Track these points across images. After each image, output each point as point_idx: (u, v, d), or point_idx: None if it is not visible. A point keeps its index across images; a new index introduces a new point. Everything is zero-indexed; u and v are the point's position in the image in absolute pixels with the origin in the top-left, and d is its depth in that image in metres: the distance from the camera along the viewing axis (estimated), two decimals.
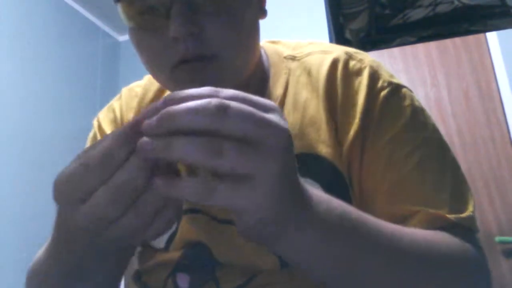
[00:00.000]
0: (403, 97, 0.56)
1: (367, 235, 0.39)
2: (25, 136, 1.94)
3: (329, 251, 0.36)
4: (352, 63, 0.58)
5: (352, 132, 0.54)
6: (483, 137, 1.99)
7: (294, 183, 0.33)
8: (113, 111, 0.67)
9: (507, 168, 1.91)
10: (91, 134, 0.69)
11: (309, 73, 0.59)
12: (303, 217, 0.34)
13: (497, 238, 1.79)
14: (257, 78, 0.60)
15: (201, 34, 0.47)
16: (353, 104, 0.55)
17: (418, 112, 0.56)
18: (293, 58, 0.62)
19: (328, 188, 0.51)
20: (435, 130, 0.57)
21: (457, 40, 2.18)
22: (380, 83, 0.55)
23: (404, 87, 0.57)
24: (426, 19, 2.80)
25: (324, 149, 0.54)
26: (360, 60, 0.58)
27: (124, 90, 0.69)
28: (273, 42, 0.67)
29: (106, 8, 2.48)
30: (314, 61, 0.60)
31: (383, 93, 0.55)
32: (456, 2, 2.76)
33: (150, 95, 0.66)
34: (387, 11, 2.82)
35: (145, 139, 0.29)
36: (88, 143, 0.68)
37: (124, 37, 2.58)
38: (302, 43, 0.66)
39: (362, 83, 0.55)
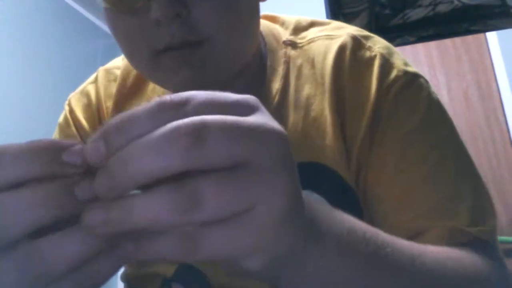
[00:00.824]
0: (419, 89, 0.48)
1: (390, 259, 0.32)
2: (25, 136, 1.93)
3: (349, 281, 0.30)
4: (360, 52, 0.50)
5: (361, 134, 0.47)
6: (483, 137, 1.99)
7: (301, 207, 0.25)
8: (87, 95, 0.59)
9: (507, 168, 1.91)
10: (61, 120, 0.59)
11: (312, 64, 0.52)
12: (321, 246, 0.27)
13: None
14: (255, 67, 0.52)
15: (189, 17, 0.40)
16: (363, 102, 0.48)
17: (434, 107, 0.48)
18: (293, 45, 0.54)
19: (334, 203, 0.43)
20: (452, 128, 0.49)
21: (457, 40, 2.18)
22: (392, 75, 0.48)
23: (421, 76, 0.50)
24: (426, 19, 2.80)
25: (329, 157, 0.48)
26: (369, 48, 0.50)
27: (101, 72, 0.59)
28: (269, 18, 0.58)
29: None
30: (318, 49, 0.52)
31: (396, 85, 0.47)
32: (456, 2, 2.76)
33: (130, 80, 0.57)
34: (387, 11, 2.82)
35: (89, 212, 0.21)
36: (57, 131, 0.60)
37: None
38: (303, 24, 0.56)
39: (373, 76, 0.48)
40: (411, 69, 0.49)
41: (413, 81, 0.48)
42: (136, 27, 0.41)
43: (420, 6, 2.75)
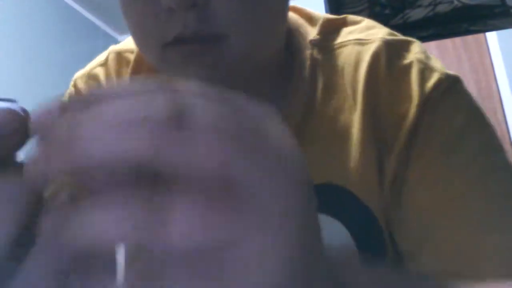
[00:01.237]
0: (462, 95, 0.43)
1: None
2: None
3: None
4: (396, 60, 0.45)
5: (398, 148, 0.42)
6: None
7: (314, 276, 0.17)
8: (96, 78, 0.53)
9: None
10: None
11: (341, 73, 0.46)
12: None
13: None
14: (277, 67, 0.46)
15: (206, 7, 0.35)
16: (402, 114, 0.43)
17: (477, 114, 0.43)
18: (321, 48, 0.47)
19: (357, 232, 0.42)
20: (495, 137, 0.43)
21: (457, 40, 2.18)
22: (433, 80, 0.43)
23: (461, 80, 0.44)
24: (426, 19, 2.81)
25: (355, 180, 0.43)
26: (405, 54, 0.45)
27: (112, 54, 0.53)
28: (294, 10, 0.51)
29: (106, 8, 2.48)
30: (348, 57, 0.46)
31: (438, 91, 0.42)
32: (456, 2, 2.77)
33: (144, 68, 0.51)
34: (387, 11, 2.82)
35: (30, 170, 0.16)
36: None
37: (124, 37, 2.59)
38: (332, 22, 0.50)
39: (411, 84, 0.43)
40: (451, 72, 0.44)
41: (455, 85, 0.43)
42: (147, 14, 0.37)
43: (420, 6, 2.75)
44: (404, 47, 0.46)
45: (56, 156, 0.15)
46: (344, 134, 0.44)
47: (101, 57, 0.54)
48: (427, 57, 0.46)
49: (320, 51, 0.47)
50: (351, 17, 0.51)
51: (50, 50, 2.17)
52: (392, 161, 0.42)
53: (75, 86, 0.53)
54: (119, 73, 0.52)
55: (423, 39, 2.95)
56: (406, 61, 0.45)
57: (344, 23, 0.50)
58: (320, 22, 0.49)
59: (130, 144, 0.15)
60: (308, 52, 0.47)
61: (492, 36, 2.18)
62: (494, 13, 2.84)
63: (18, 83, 1.94)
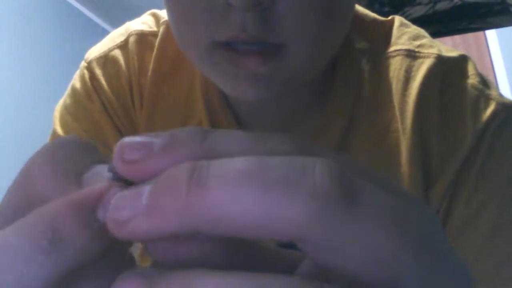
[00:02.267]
0: None
1: None
2: (24, 135, 1.94)
3: None
4: (449, 84, 0.41)
5: (448, 179, 0.39)
6: None
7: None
8: (115, 62, 0.47)
9: None
10: (78, 85, 0.47)
11: (389, 88, 0.42)
12: None
13: None
14: (322, 76, 0.42)
15: (270, 9, 0.30)
16: (454, 142, 0.39)
17: None
18: (370, 57, 0.43)
19: None
20: None
21: (457, 38, 2.18)
22: (489, 110, 0.39)
23: None
24: (425, 16, 2.80)
25: None
26: (458, 79, 0.41)
27: (133, 37, 0.47)
28: None
29: (106, 6, 2.47)
30: (398, 70, 0.42)
31: (494, 123, 0.39)
32: (456, 0, 2.76)
33: (170, 54, 0.46)
34: (386, 9, 2.82)
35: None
36: (72, 100, 0.47)
37: None
38: (381, 26, 0.45)
39: (466, 112, 0.39)
40: (507, 100, 0.41)
41: (511, 116, 0.40)
42: (198, 7, 0.32)
43: (419, 4, 2.75)
44: (458, 68, 0.42)
45: (173, 208, 0.12)
46: (389, 158, 0.40)
47: (116, 37, 0.49)
48: (482, 81, 0.42)
49: (368, 61, 0.43)
50: (399, 18, 0.47)
51: (50, 48, 2.17)
52: (437, 192, 0.39)
53: (89, 70, 0.47)
54: (141, 58, 0.47)
55: None
56: (461, 87, 0.41)
57: (392, 26, 0.46)
58: (367, 25, 0.45)
59: (283, 212, 0.11)
60: (354, 60, 0.43)
61: (491, 34, 2.17)
62: (494, 11, 2.83)
63: (17, 81, 1.94)
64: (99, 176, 0.15)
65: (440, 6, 2.77)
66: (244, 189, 0.12)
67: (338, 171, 0.12)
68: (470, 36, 2.18)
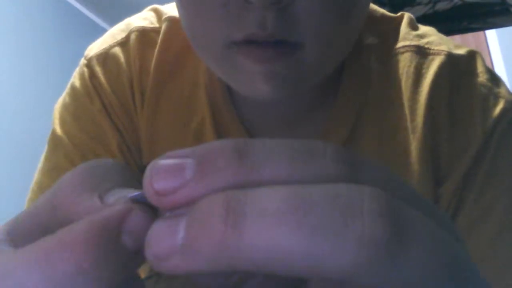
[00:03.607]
0: None
1: None
2: (24, 134, 1.94)
3: None
4: (459, 82, 0.41)
5: (455, 180, 0.39)
6: None
7: None
8: (115, 60, 0.46)
9: None
10: (77, 84, 0.46)
11: (398, 86, 0.41)
12: None
13: None
14: (331, 75, 0.42)
15: (289, 8, 0.30)
16: (460, 149, 0.39)
17: None
18: (377, 52, 0.43)
19: None
20: None
21: (457, 37, 2.18)
22: (498, 108, 0.39)
23: None
24: (425, 16, 2.80)
25: None
26: (468, 77, 0.41)
27: (134, 34, 0.46)
28: None
29: (105, 5, 2.47)
30: (407, 68, 0.41)
31: (503, 122, 0.39)
32: (456, 0, 2.76)
33: (172, 52, 0.45)
34: (386, 9, 2.82)
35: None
36: (71, 99, 0.46)
37: None
38: (391, 21, 0.44)
39: (474, 118, 0.39)
40: None
41: None
42: (215, 6, 0.31)
43: (419, 4, 2.75)
44: (468, 65, 0.42)
45: (209, 248, 0.11)
46: (398, 157, 0.40)
47: (117, 34, 0.48)
48: (491, 79, 0.41)
49: (376, 58, 0.42)
50: (408, 15, 0.46)
51: (49, 48, 2.17)
52: (447, 191, 0.39)
53: (89, 67, 0.46)
54: (142, 56, 0.46)
55: None
56: (470, 85, 0.40)
57: (401, 22, 0.45)
58: (377, 21, 0.44)
59: (329, 257, 0.11)
60: (362, 58, 0.42)
61: (491, 34, 2.18)
62: (494, 11, 2.83)
63: (16, 80, 1.93)
64: (122, 195, 0.15)
65: (440, 6, 2.77)
66: (284, 230, 0.11)
67: (388, 205, 0.11)
68: (470, 36, 2.18)
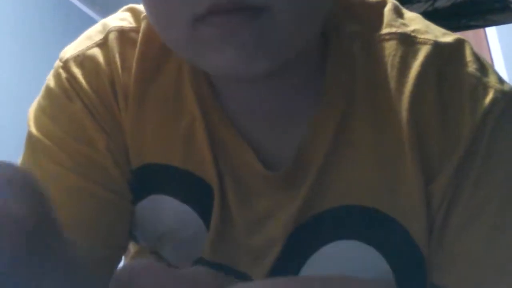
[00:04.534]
0: None
1: None
2: (23, 133, 1.94)
3: None
4: (447, 73, 0.40)
5: (447, 174, 0.38)
6: None
7: None
8: (94, 61, 0.45)
9: None
10: (55, 88, 0.45)
11: (384, 76, 0.40)
12: None
13: None
14: (310, 60, 0.42)
15: None
16: (453, 136, 0.38)
17: None
18: (361, 38, 0.42)
19: (395, 261, 0.39)
20: None
21: (456, 35, 2.18)
22: (488, 99, 0.38)
23: None
24: (425, 14, 2.79)
25: (397, 205, 0.39)
26: (456, 67, 0.40)
27: (113, 34, 0.46)
28: None
29: (104, 2, 2.46)
30: (393, 56, 0.40)
31: (494, 113, 0.38)
32: None
33: (153, 50, 0.45)
34: None
35: None
36: (49, 103, 0.45)
37: None
38: (373, 7, 0.43)
39: (463, 109, 0.38)
40: (507, 87, 0.40)
41: (511, 105, 0.39)
42: None
43: (419, 1, 2.74)
44: (456, 55, 0.41)
45: None
46: (390, 149, 0.39)
47: (94, 35, 0.47)
48: (480, 68, 0.40)
49: (360, 45, 0.41)
50: (392, 1, 0.44)
51: (47, 45, 2.16)
52: (439, 188, 0.38)
53: (66, 69, 0.45)
54: (123, 56, 0.45)
55: None
56: (458, 76, 0.40)
57: (384, 8, 0.44)
58: (359, 7, 0.43)
59: None
60: (345, 45, 0.41)
61: (491, 32, 2.18)
62: (494, 8, 2.83)
63: (15, 79, 1.93)
64: None
65: (440, 3, 2.76)
66: None
67: None
68: (470, 34, 2.18)
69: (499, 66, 2.15)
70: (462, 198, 0.38)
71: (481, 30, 2.20)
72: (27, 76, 2.00)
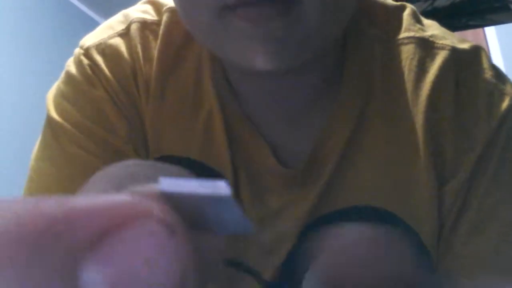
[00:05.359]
0: None
1: None
2: (23, 133, 1.93)
3: None
4: (464, 79, 0.41)
5: (462, 178, 0.38)
6: None
7: None
8: (116, 50, 0.45)
9: None
10: (77, 75, 0.45)
11: (401, 79, 0.41)
12: None
13: None
14: (331, 60, 0.42)
15: None
16: (465, 148, 0.39)
17: None
18: (379, 42, 0.42)
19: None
20: None
21: (456, 34, 2.18)
22: (504, 105, 0.39)
23: None
24: (424, 13, 2.79)
25: (412, 206, 0.39)
26: (473, 73, 0.41)
27: (135, 25, 0.46)
28: None
29: (104, 2, 2.46)
30: (410, 60, 0.41)
31: (509, 120, 0.39)
32: None
33: (174, 43, 0.45)
34: None
35: None
36: (73, 90, 0.45)
37: None
38: (392, 11, 0.43)
39: (479, 115, 0.39)
40: None
41: None
42: None
43: (418, 0, 2.75)
44: (473, 61, 0.41)
45: None
46: (405, 151, 0.39)
47: (115, 25, 0.47)
48: (496, 75, 0.41)
49: (379, 47, 0.42)
50: (410, 6, 0.45)
51: (47, 45, 2.16)
52: (452, 190, 0.38)
53: (88, 57, 0.45)
54: (145, 47, 0.45)
55: None
56: (475, 81, 0.40)
57: (403, 12, 0.44)
58: (378, 11, 0.44)
59: None
60: (365, 48, 0.42)
61: (490, 31, 2.18)
62: (493, 8, 2.83)
63: (15, 79, 1.93)
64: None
65: (439, 2, 2.77)
66: None
67: None
68: (469, 33, 2.18)
69: (498, 65, 2.16)
70: (473, 202, 0.38)
71: (480, 30, 2.20)
72: (27, 76, 2.00)
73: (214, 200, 0.13)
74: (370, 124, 0.41)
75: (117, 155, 0.43)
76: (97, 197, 0.10)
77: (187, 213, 0.12)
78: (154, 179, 0.14)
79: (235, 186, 0.44)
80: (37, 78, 2.05)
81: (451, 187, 0.39)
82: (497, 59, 2.17)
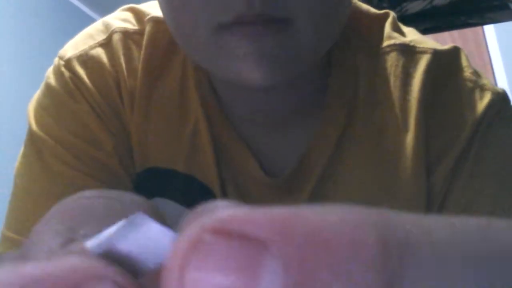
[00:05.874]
0: (510, 117, 0.42)
1: None
2: (23, 133, 1.94)
3: None
4: (447, 78, 0.43)
5: (440, 174, 0.40)
6: None
7: None
8: (98, 61, 0.44)
9: None
10: (56, 86, 0.44)
11: (387, 86, 0.42)
12: None
13: None
14: (317, 71, 0.43)
15: None
16: (449, 142, 0.40)
17: None
18: (364, 51, 0.43)
19: None
20: None
21: (455, 33, 2.18)
22: (485, 101, 0.41)
23: (507, 96, 0.42)
24: (423, 11, 2.80)
25: (404, 207, 0.39)
26: (454, 72, 0.43)
27: (117, 35, 0.45)
28: None
29: (104, 2, 2.46)
30: (395, 67, 0.42)
31: (490, 112, 0.41)
32: None
33: (158, 53, 0.45)
34: (384, 4, 2.82)
35: None
36: (52, 102, 0.44)
37: None
38: (376, 20, 0.45)
39: (462, 110, 0.41)
40: (500, 89, 0.43)
41: (505, 106, 0.42)
42: None
43: None
44: (453, 61, 0.43)
45: None
46: (391, 157, 0.41)
47: (95, 35, 0.46)
48: (475, 72, 0.43)
49: (363, 57, 0.43)
50: (392, 13, 0.46)
51: (47, 45, 2.16)
52: (436, 182, 0.40)
53: (69, 68, 0.44)
54: (127, 58, 0.44)
55: (421, 32, 2.96)
56: (456, 80, 0.42)
57: (385, 21, 0.46)
58: (363, 20, 0.44)
59: None
60: (349, 57, 0.43)
61: (490, 30, 2.18)
62: (492, 6, 2.83)
63: (15, 78, 1.93)
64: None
65: (438, 1, 2.77)
66: None
67: None
68: (468, 32, 2.18)
69: (497, 63, 2.15)
70: (457, 187, 0.40)
71: (479, 28, 2.21)
72: (27, 76, 2.00)
73: (136, 233, 0.12)
74: (356, 132, 0.42)
75: (104, 170, 0.43)
76: (48, 263, 0.10)
77: (129, 262, 0.12)
78: (111, 214, 0.14)
79: (223, 197, 0.44)
80: (37, 78, 2.05)
81: (437, 176, 0.40)
82: (496, 58, 2.17)
